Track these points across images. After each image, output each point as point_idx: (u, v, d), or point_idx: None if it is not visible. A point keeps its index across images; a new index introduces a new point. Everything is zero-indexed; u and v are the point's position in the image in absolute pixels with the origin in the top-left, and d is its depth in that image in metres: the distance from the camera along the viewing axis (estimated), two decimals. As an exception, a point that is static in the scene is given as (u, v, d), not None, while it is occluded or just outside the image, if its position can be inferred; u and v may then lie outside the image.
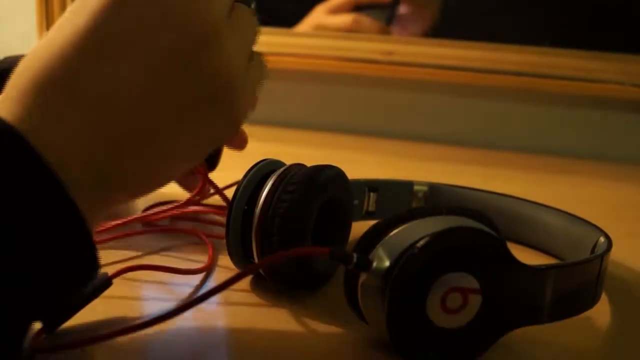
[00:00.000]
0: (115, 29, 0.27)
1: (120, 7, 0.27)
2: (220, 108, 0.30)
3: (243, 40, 0.31)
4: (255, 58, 0.33)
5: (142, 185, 0.30)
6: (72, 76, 0.27)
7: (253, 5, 0.35)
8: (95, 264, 0.27)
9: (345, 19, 0.89)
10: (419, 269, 0.30)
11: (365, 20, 0.89)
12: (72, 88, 0.27)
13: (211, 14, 0.28)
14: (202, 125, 0.29)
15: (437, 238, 0.30)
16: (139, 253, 0.45)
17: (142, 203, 0.52)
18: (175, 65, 0.28)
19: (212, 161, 0.52)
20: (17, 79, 0.27)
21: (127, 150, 0.28)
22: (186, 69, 0.28)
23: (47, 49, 0.27)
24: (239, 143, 0.50)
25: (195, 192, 0.47)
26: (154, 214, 0.48)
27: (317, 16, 0.91)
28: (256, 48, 0.33)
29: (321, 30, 0.91)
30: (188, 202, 0.48)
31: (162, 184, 0.31)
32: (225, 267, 0.43)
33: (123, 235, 0.46)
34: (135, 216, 0.48)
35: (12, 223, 0.24)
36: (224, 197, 0.48)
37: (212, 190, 0.50)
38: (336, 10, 0.90)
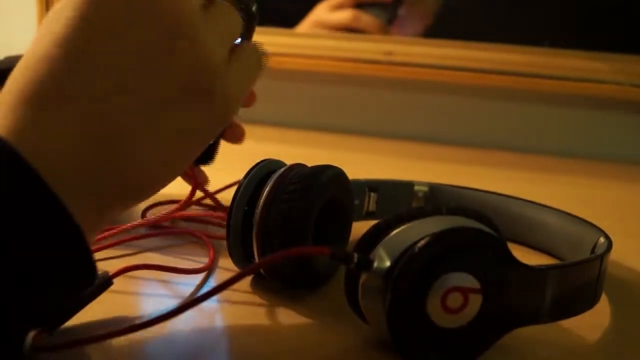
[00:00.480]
0: (89, 30, 0.28)
1: (92, 12, 0.28)
2: (200, 99, 0.29)
3: (221, 34, 0.31)
4: (243, 52, 0.33)
5: (136, 186, 0.30)
6: (54, 81, 0.27)
7: (255, 8, 0.35)
8: (91, 265, 0.28)
9: (345, 14, 0.90)
10: (419, 269, 0.30)
11: (365, 17, 0.90)
12: (55, 92, 0.27)
13: (182, 6, 0.29)
14: (185, 117, 0.29)
15: (437, 238, 0.30)
16: (140, 252, 0.45)
17: (142, 204, 0.52)
18: (151, 58, 0.28)
19: (209, 154, 0.52)
20: (10, 86, 0.28)
21: (116, 147, 0.28)
22: (161, 61, 0.28)
23: (31, 58, 0.28)
24: (237, 137, 0.50)
25: (187, 197, 0.47)
26: (156, 219, 0.48)
27: (318, 13, 0.91)
28: (242, 42, 0.33)
29: (321, 26, 0.91)
30: (184, 205, 0.48)
31: (157, 184, 0.31)
32: (226, 267, 0.43)
33: (125, 240, 0.45)
34: (138, 222, 0.47)
35: (4, 228, 0.24)
36: (215, 201, 0.48)
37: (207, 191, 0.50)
38: (337, 7, 0.90)
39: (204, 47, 0.29)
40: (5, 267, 0.24)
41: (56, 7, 0.29)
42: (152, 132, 0.29)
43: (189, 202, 0.47)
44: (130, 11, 0.28)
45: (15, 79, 0.28)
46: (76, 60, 0.27)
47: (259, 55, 0.34)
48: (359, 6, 0.90)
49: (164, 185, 0.31)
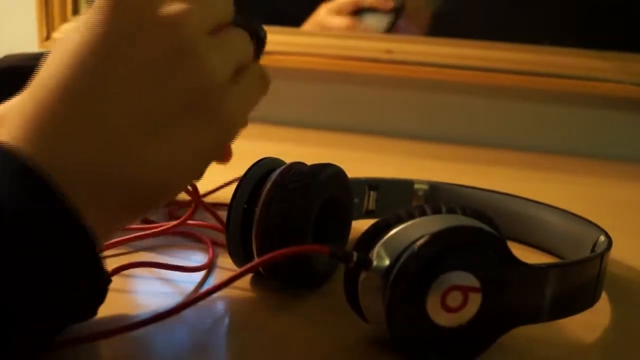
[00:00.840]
0: (101, 47, 0.29)
1: (104, 31, 0.29)
2: (202, 116, 0.31)
3: (227, 55, 0.32)
4: (248, 73, 0.34)
5: (140, 193, 0.30)
6: (66, 93, 0.29)
7: (263, 32, 0.35)
8: (98, 265, 0.28)
9: (342, 22, 0.90)
10: (418, 268, 0.30)
11: (361, 27, 0.90)
12: (67, 103, 0.28)
13: (187, 28, 0.30)
14: (188, 133, 0.30)
15: (437, 237, 0.30)
16: (140, 251, 0.45)
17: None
18: (157, 75, 0.30)
19: None
20: (30, 95, 0.29)
21: (120, 156, 0.29)
22: (166, 78, 0.30)
23: (47, 71, 0.29)
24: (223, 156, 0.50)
25: (187, 215, 0.47)
26: (156, 219, 0.48)
27: (320, 16, 0.91)
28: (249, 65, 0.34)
29: (321, 29, 0.92)
30: (184, 220, 0.48)
31: (160, 194, 0.31)
32: (226, 265, 0.43)
33: (125, 239, 0.45)
34: (142, 233, 0.47)
35: (10, 229, 0.25)
36: (219, 219, 0.47)
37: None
38: (338, 11, 0.91)
39: (206, 66, 0.30)
40: (8, 267, 0.25)
41: (77, 21, 0.30)
42: (155, 143, 0.30)
43: (189, 217, 0.47)
44: (139, 32, 0.29)
45: (34, 90, 0.29)
46: (89, 74, 0.29)
47: (262, 77, 0.35)
48: (358, 12, 0.90)
49: (167, 196, 0.32)
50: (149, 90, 0.29)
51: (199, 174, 0.33)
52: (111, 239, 0.32)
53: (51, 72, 0.29)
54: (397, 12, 0.90)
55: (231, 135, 0.32)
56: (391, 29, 0.90)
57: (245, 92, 0.33)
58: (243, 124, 0.33)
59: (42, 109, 0.28)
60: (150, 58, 0.29)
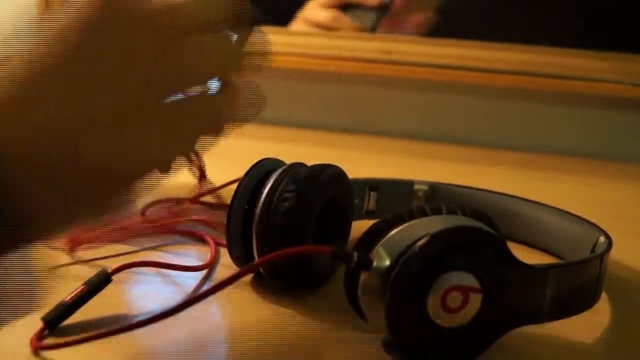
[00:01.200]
0: (78, 33, 0.29)
1: (87, 17, 0.29)
2: (174, 110, 0.30)
3: (211, 55, 0.32)
4: (227, 90, 0.33)
5: (98, 181, 0.29)
6: (36, 72, 0.28)
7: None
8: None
9: (326, 14, 0.90)
10: (419, 268, 0.30)
11: (345, 20, 0.90)
12: (33, 81, 0.28)
13: (177, 22, 0.30)
14: (156, 124, 0.30)
15: (437, 237, 0.30)
16: (141, 250, 0.45)
17: (140, 203, 0.52)
18: (135, 64, 0.29)
19: None
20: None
21: (81, 141, 0.28)
22: (144, 68, 0.29)
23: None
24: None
25: (197, 194, 0.47)
26: (157, 218, 0.48)
27: (308, 9, 0.91)
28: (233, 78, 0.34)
29: (307, 22, 0.92)
30: (191, 200, 0.48)
31: (119, 185, 0.30)
32: (227, 266, 0.43)
33: (126, 238, 0.45)
34: (146, 226, 0.47)
35: None
36: (218, 198, 0.47)
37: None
38: (324, 6, 0.91)
39: (188, 62, 0.30)
40: None
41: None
42: (124, 132, 0.29)
43: (197, 198, 0.47)
44: (126, 20, 0.29)
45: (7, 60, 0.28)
46: (68, 54, 0.28)
47: (254, 93, 0.35)
48: (345, 7, 0.90)
49: (127, 184, 0.30)
50: (127, 78, 0.29)
51: (167, 166, 0.32)
52: (70, 229, 0.31)
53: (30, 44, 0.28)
54: (382, 10, 0.90)
55: (202, 132, 0.32)
56: (375, 26, 0.90)
57: (226, 95, 0.33)
58: (219, 127, 0.33)
59: (13, 79, 0.27)
60: (133, 47, 0.29)
